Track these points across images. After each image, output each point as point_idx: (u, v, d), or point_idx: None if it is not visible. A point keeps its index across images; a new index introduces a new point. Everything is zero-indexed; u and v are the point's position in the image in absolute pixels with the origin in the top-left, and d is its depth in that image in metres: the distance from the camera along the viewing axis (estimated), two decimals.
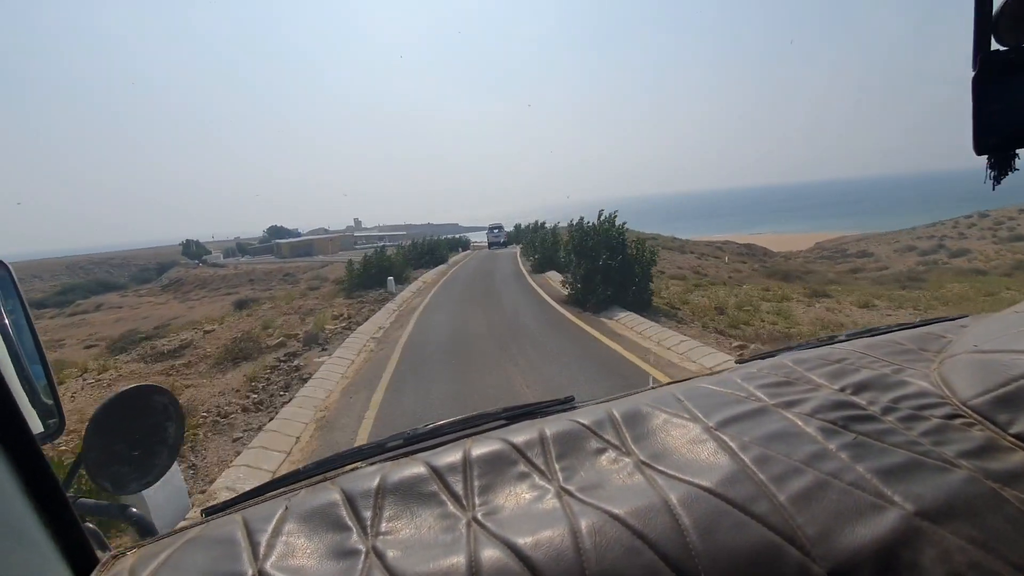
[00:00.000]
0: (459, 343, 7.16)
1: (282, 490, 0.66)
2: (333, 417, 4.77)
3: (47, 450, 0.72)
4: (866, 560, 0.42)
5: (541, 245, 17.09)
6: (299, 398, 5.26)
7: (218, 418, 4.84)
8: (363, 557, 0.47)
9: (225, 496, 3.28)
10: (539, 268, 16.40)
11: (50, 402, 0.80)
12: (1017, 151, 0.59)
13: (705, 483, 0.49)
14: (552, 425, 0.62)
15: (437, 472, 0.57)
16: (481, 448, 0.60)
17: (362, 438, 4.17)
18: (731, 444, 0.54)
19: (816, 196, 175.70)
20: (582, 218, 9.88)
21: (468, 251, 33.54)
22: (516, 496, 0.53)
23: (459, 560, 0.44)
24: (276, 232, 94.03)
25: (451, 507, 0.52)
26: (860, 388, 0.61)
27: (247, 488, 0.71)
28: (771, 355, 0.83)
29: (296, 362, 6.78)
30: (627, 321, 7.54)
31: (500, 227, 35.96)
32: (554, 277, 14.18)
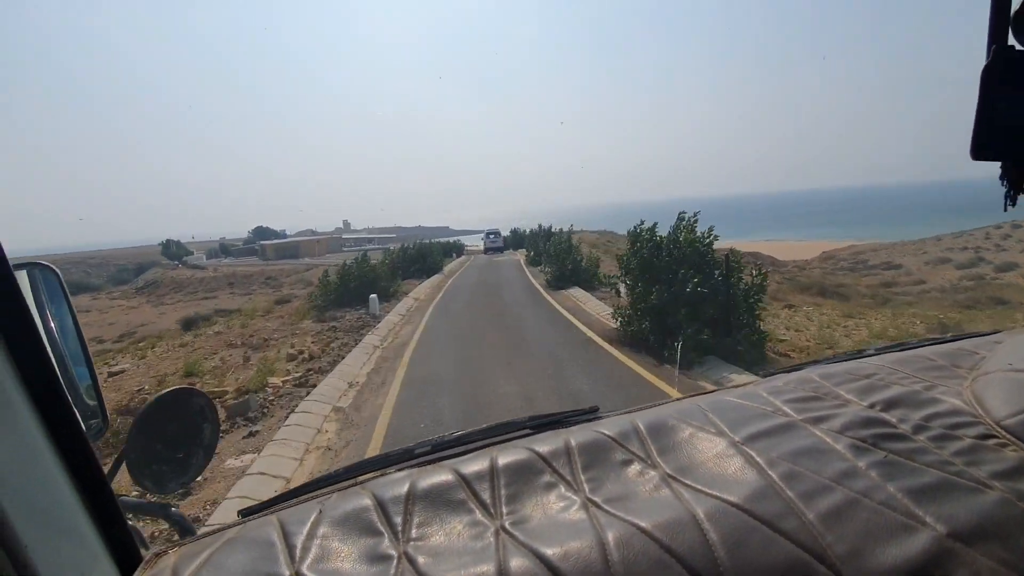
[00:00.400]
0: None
1: (314, 493, 0.66)
2: None
3: None
4: None
5: (556, 255, 14.19)
6: None
7: None
8: (395, 562, 0.47)
9: None
10: (556, 283, 13.45)
11: (93, 403, 0.86)
12: (1010, 160, 0.55)
13: (733, 498, 0.48)
14: (577, 435, 0.62)
15: (465, 480, 0.57)
16: (507, 457, 0.60)
17: None
18: (759, 459, 0.53)
19: (801, 205, 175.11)
20: (642, 222, 7.01)
21: (463, 257, 31.03)
22: (543, 506, 0.53)
23: (488, 568, 0.44)
24: (261, 233, 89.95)
25: (479, 515, 0.53)
26: (890, 405, 0.60)
27: None
28: (797, 369, 0.82)
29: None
30: None
31: (497, 232, 36.07)
32: (580, 296, 11.34)
